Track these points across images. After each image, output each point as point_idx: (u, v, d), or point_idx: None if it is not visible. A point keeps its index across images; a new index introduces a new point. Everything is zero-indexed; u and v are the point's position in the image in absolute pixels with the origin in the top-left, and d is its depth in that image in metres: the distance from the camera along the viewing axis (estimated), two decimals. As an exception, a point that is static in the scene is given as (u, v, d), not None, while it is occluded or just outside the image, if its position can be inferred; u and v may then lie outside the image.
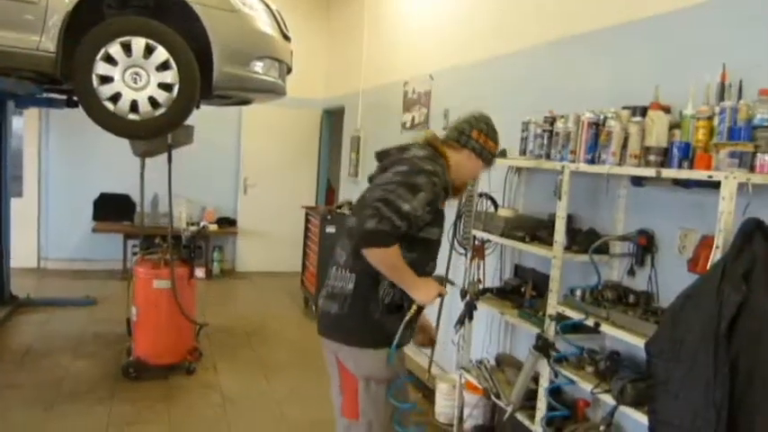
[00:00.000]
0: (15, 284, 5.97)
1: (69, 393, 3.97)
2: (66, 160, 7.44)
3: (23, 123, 7.21)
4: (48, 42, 3.26)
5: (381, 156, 2.41)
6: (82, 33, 3.34)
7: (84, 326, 5.35)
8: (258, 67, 3.85)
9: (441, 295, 2.28)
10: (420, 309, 2.24)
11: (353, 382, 2.25)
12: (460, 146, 2.36)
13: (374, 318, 2.19)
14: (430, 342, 2.67)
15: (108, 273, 7.30)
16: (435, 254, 2.38)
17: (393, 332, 2.20)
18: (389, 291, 2.21)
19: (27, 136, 7.29)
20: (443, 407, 3.86)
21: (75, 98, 4.26)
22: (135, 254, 5.71)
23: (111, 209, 7.43)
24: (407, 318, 2.21)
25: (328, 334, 2.30)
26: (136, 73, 3.42)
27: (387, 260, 2.11)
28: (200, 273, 7.07)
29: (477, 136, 2.36)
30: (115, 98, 3.43)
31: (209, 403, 3.99)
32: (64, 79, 3.47)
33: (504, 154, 3.46)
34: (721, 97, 2.22)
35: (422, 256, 2.25)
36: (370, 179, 2.38)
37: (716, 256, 1.97)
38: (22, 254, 6.88)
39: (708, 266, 2.00)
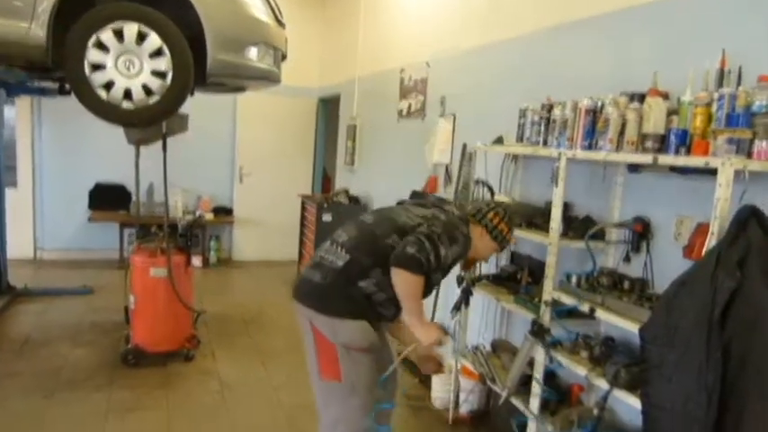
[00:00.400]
0: (12, 275, 5.96)
1: (68, 381, 3.98)
2: (60, 150, 7.39)
3: (15, 113, 7.15)
4: (37, 29, 3.22)
5: (419, 196, 2.63)
6: (73, 20, 3.31)
7: (81, 315, 5.35)
8: (252, 54, 3.82)
9: (440, 343, 2.39)
10: (416, 347, 2.40)
11: (331, 347, 2.33)
12: (476, 221, 2.55)
13: (353, 296, 2.29)
14: (437, 370, 2.76)
15: (104, 262, 7.30)
16: (429, 292, 2.49)
17: (370, 311, 2.31)
18: (374, 289, 2.30)
19: (20, 126, 7.23)
20: (439, 392, 3.89)
21: (67, 86, 4.24)
22: (131, 243, 5.70)
23: (107, 198, 7.41)
24: (405, 353, 2.42)
25: (305, 301, 2.37)
26: (129, 60, 3.40)
27: (410, 285, 2.25)
28: (197, 262, 7.09)
29: (493, 217, 2.55)
30: (108, 86, 3.40)
31: (208, 390, 4.01)
32: (55, 67, 3.44)
33: (500, 140, 3.47)
34: (720, 83, 2.23)
35: (430, 281, 2.38)
36: (399, 203, 2.62)
37: (711, 242, 1.98)
38: (18, 244, 6.86)
39: (703, 253, 2.01)
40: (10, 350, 4.47)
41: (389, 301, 2.31)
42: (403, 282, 2.22)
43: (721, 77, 2.23)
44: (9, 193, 6.13)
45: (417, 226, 2.32)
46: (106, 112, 3.48)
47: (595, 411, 2.60)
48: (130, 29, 3.37)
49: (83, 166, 7.41)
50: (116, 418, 3.52)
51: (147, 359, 4.28)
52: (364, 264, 2.29)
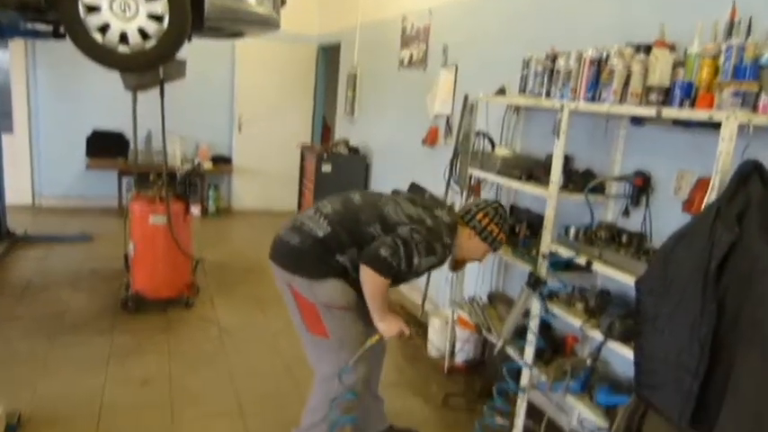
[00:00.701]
0: (11, 221, 5.97)
1: (70, 325, 4.04)
2: (56, 95, 7.29)
3: (9, 57, 7.01)
4: None
5: (416, 189, 2.61)
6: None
7: (81, 261, 5.39)
8: (251, -3, 3.74)
9: (401, 335, 2.45)
10: (381, 338, 2.43)
11: (312, 307, 2.40)
12: (464, 222, 2.54)
13: (329, 263, 2.33)
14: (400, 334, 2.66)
15: (103, 210, 7.31)
16: (397, 284, 2.51)
17: (346, 277, 2.35)
18: (349, 266, 2.34)
19: (14, 70, 7.10)
20: (435, 342, 3.96)
21: (61, 29, 4.15)
22: (130, 191, 5.69)
23: (105, 146, 7.35)
24: (367, 345, 2.40)
25: (282, 263, 2.42)
26: (124, 2, 3.32)
27: (375, 286, 2.28)
28: (195, 211, 7.11)
29: (482, 218, 2.53)
30: (103, 29, 3.34)
31: (207, 336, 4.07)
32: (48, 8, 3.36)
33: (502, 92, 3.42)
34: (729, 35, 2.18)
35: (399, 278, 2.39)
36: (394, 192, 2.60)
37: (711, 197, 1.98)
38: (16, 191, 6.85)
39: (702, 208, 2.01)
40: (11, 295, 4.52)
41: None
42: (370, 281, 2.26)
43: (731, 29, 2.18)
44: (5, 138, 6.08)
45: (400, 224, 2.33)
46: (102, 56, 3.42)
47: (589, 362, 2.65)
48: (126, -30, 3.28)
49: (80, 113, 7.34)
50: (117, 361, 3.59)
51: (148, 305, 4.33)
52: (343, 240, 2.33)
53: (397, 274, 2.26)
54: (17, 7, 3.59)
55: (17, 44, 6.90)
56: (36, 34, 5.31)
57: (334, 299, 2.34)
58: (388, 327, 2.39)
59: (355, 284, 2.35)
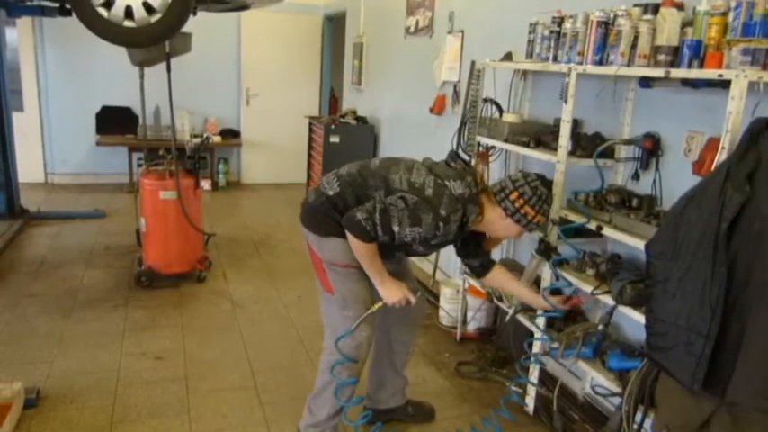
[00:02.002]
0: (25, 198, 6.03)
1: (85, 301, 4.10)
2: (65, 73, 7.29)
3: (18, 36, 7.02)
4: None
5: (452, 157, 2.44)
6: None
7: (94, 238, 5.45)
8: (255, -32, 3.69)
9: (408, 302, 2.40)
10: (384, 305, 2.39)
11: (320, 262, 2.44)
12: (497, 201, 2.34)
13: (336, 220, 2.32)
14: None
15: (114, 186, 7.36)
16: (408, 253, 2.50)
17: None
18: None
19: (23, 49, 7.12)
20: (447, 311, 3.97)
21: (67, 5, 4.13)
22: (140, 166, 5.71)
23: (114, 122, 7.37)
24: (370, 311, 2.37)
25: (301, 218, 2.47)
26: (128, -24, 3.29)
27: (360, 251, 2.26)
28: (205, 185, 7.13)
29: (516, 198, 2.31)
30: (108, 4, 3.32)
31: (220, 309, 4.12)
32: None
33: (509, 57, 3.37)
34: (739, -9, 2.12)
35: (393, 247, 2.35)
36: (426, 159, 2.44)
37: (722, 157, 1.95)
38: (28, 169, 6.92)
39: (713, 169, 1.98)
40: (27, 271, 4.58)
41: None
42: (352, 244, 2.25)
43: (741, -15, 2.12)
44: (16, 116, 6.11)
45: (398, 191, 2.26)
46: (107, 31, 3.41)
47: (600, 327, 2.65)
48: (129, -57, 3.25)
49: (89, 89, 7.34)
50: (132, 335, 3.64)
51: (160, 280, 4.38)
52: (349, 202, 2.32)
53: (377, 239, 2.21)
54: None
55: (25, 22, 6.90)
56: (43, 11, 5.29)
57: (335, 257, 2.36)
58: (388, 293, 2.38)
59: None
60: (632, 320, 2.31)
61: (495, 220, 2.36)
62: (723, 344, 1.84)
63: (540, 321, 2.88)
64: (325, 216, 2.35)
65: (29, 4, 4.99)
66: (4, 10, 5.39)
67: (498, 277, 2.73)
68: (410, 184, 2.27)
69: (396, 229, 2.19)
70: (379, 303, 2.40)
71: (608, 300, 2.43)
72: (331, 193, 2.36)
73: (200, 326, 3.84)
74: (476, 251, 2.65)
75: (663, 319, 1.99)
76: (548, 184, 2.39)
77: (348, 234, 2.24)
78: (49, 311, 3.91)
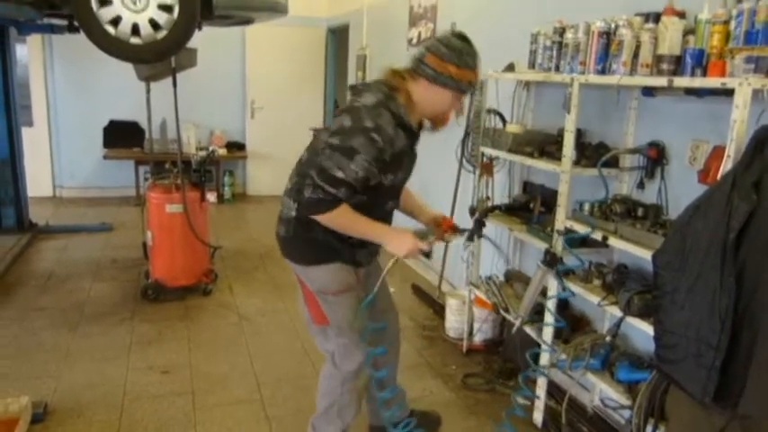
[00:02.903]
0: (33, 212, 6.08)
1: (92, 315, 4.11)
2: (73, 88, 7.37)
3: (28, 52, 7.10)
4: None
5: (351, 90, 2.29)
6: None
7: (101, 251, 5.47)
8: (258, -17, 3.73)
9: (422, 251, 2.22)
10: (397, 260, 2.22)
11: (311, 294, 2.35)
12: (418, 75, 2.14)
13: (317, 238, 2.21)
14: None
15: (121, 199, 7.40)
16: (391, 196, 2.31)
17: (338, 248, 2.23)
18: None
19: (32, 65, 7.21)
20: (453, 322, 3.95)
21: (76, 23, 4.18)
22: (147, 180, 5.74)
23: (121, 135, 7.42)
24: (388, 268, 2.26)
25: (283, 253, 2.37)
26: (135, -6, 3.35)
27: (335, 223, 2.12)
28: (211, 197, 7.09)
29: (432, 61, 2.10)
30: (116, 21, 3.38)
31: (227, 322, 4.12)
32: (62, 3, 3.39)
33: (511, 67, 3.37)
34: (740, -1, 2.12)
35: (373, 199, 2.19)
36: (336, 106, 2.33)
37: (727, 166, 1.94)
38: (37, 183, 6.97)
39: (718, 177, 1.97)
40: (35, 285, 4.60)
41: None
42: (329, 221, 2.10)
43: (742, -7, 2.12)
44: (26, 131, 6.18)
45: (321, 152, 2.10)
46: (114, 48, 3.46)
47: (608, 339, 2.63)
48: (136, -39, 3.30)
49: (96, 104, 7.42)
50: (139, 350, 3.64)
51: (167, 293, 4.39)
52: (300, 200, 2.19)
53: (338, 200, 2.04)
54: (33, 4, 3.63)
55: (35, 39, 6.99)
56: (52, 29, 5.36)
57: (325, 284, 2.28)
58: (398, 246, 2.17)
59: (349, 239, 2.22)
60: (641, 331, 2.29)
61: (423, 93, 2.15)
62: (734, 355, 1.82)
63: (548, 332, 2.86)
64: (302, 241, 2.25)
65: (39, 22, 5.04)
66: (14, 28, 5.46)
67: (406, 200, 2.54)
68: (331, 134, 2.11)
69: (340, 174, 2.02)
70: (392, 260, 2.22)
71: (615, 310, 2.41)
72: (294, 213, 2.24)
73: (206, 339, 3.84)
74: None
75: (672, 330, 1.97)
76: (464, 36, 2.17)
77: (318, 218, 2.09)
78: (56, 325, 3.91)
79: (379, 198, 2.23)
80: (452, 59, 2.08)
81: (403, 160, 2.21)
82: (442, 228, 2.45)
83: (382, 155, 2.08)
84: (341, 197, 2.06)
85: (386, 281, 2.51)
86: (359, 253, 2.32)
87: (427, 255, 2.29)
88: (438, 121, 2.32)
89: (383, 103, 2.12)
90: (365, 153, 2.03)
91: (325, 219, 2.10)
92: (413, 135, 2.24)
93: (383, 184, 2.17)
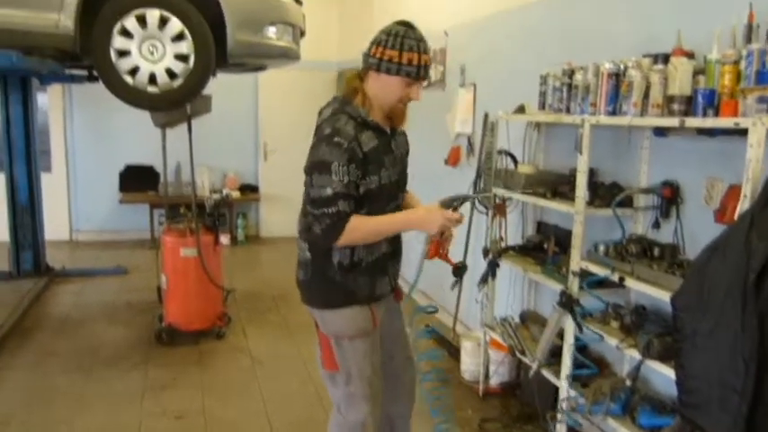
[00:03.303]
0: (50, 256, 6.14)
1: (106, 359, 4.10)
2: (91, 134, 7.53)
3: (48, 99, 7.29)
4: (66, 20, 3.30)
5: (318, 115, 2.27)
6: (98, 9, 3.36)
7: (116, 294, 5.49)
8: (271, 32, 3.85)
9: (453, 220, 2.10)
10: (432, 242, 2.11)
11: (325, 338, 2.29)
12: (367, 70, 2.12)
13: (335, 279, 2.17)
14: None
15: (137, 242, 7.45)
16: (388, 197, 2.20)
17: (355, 288, 2.18)
18: (342, 251, 2.15)
19: (52, 112, 7.39)
20: (469, 365, 3.89)
21: (95, 73, 4.30)
22: (161, 223, 5.80)
23: (137, 179, 7.53)
24: (423, 255, 2.14)
25: (302, 298, 2.34)
26: (152, 45, 3.47)
27: (356, 238, 2.08)
28: (225, 239, 7.18)
29: (375, 51, 2.08)
30: (133, 71, 3.48)
31: (240, 366, 4.09)
32: (83, 55, 3.50)
33: (522, 109, 3.40)
34: (749, 39, 2.12)
35: (369, 206, 2.13)
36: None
37: (743, 205, 1.92)
38: (54, 226, 7.04)
39: (735, 216, 1.95)
40: (51, 329, 4.62)
41: (375, 244, 2.17)
42: (351, 240, 2.06)
43: (749, 33, 2.13)
44: (44, 177, 6.30)
45: (305, 184, 2.12)
46: (132, 97, 3.56)
47: (628, 382, 2.57)
48: (153, 15, 3.44)
49: (113, 149, 7.55)
50: (152, 395, 3.62)
51: (181, 337, 4.38)
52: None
53: (344, 215, 2.01)
54: (56, 56, 3.75)
55: (55, 87, 7.18)
56: (72, 79, 5.52)
57: (342, 329, 2.23)
58: (430, 222, 2.08)
59: (373, 261, 2.18)
60: (662, 374, 2.24)
61: (374, 86, 2.11)
62: (760, 399, 1.77)
63: (565, 376, 2.81)
64: (322, 282, 2.20)
65: (60, 73, 5.20)
66: (36, 78, 5.64)
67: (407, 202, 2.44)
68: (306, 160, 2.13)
69: (329, 191, 2.00)
70: (426, 246, 2.14)
71: (635, 353, 2.37)
72: (309, 254, 2.21)
73: (219, 384, 3.81)
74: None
75: (694, 374, 1.92)
76: (406, 23, 2.11)
77: (340, 243, 2.05)
78: (70, 370, 3.91)
79: (375, 204, 2.14)
80: (393, 45, 2.05)
81: (382, 159, 2.14)
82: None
83: (353, 155, 2.03)
84: (344, 210, 2.02)
85: (407, 335, 2.48)
86: (379, 284, 2.25)
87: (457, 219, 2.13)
88: (395, 115, 2.21)
89: (339, 109, 2.12)
90: (337, 158, 2.01)
91: (346, 240, 2.05)
92: (383, 132, 2.18)
93: (371, 189, 2.12)
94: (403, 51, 2.04)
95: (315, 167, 2.05)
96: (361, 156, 2.06)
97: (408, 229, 2.14)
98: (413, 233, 2.22)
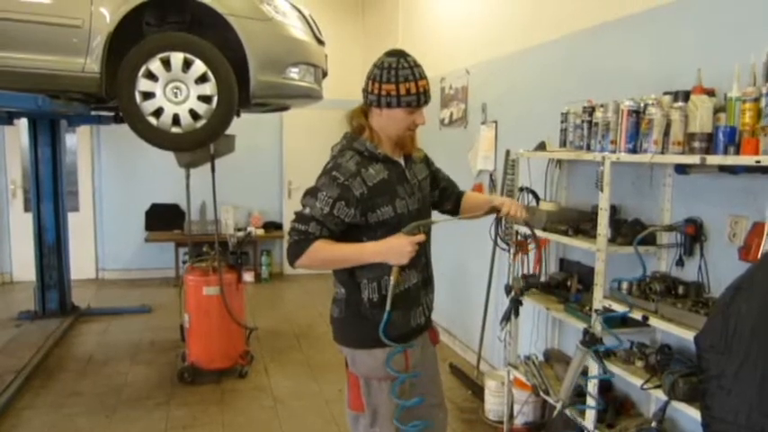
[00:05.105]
0: (76, 295, 6.22)
1: (129, 399, 4.12)
2: (118, 174, 7.69)
3: (77, 140, 7.50)
4: (92, 64, 3.39)
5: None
6: (124, 52, 3.46)
7: (140, 333, 5.52)
8: (294, 73, 3.90)
9: (419, 243, 2.06)
10: (402, 269, 2.07)
11: (355, 379, 2.25)
12: (368, 106, 2.16)
13: (368, 318, 2.14)
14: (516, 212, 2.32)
15: (162, 281, 7.53)
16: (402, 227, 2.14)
17: (395, 318, 2.12)
18: (369, 286, 2.15)
19: (80, 153, 7.59)
20: (493, 404, 3.83)
21: (121, 114, 4.42)
22: (185, 262, 5.87)
23: (163, 218, 7.65)
24: (392, 284, 2.07)
25: (335, 336, 2.31)
26: (176, 87, 3.53)
27: (318, 260, 2.08)
28: (248, 277, 7.22)
29: (372, 87, 2.10)
30: (158, 113, 3.55)
31: (262, 405, 4.06)
32: (109, 98, 3.60)
33: (543, 146, 3.41)
34: (768, 77, 2.12)
35: (386, 236, 2.11)
36: None
37: (767, 243, 1.89)
38: (81, 266, 7.17)
39: (759, 254, 1.92)
40: (74, 369, 4.65)
41: (404, 275, 2.13)
42: (312, 261, 2.07)
43: (769, 71, 2.13)
44: (72, 216, 6.43)
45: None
46: (156, 138, 3.63)
47: (654, 424, 2.51)
48: (177, 58, 3.51)
49: (140, 188, 7.70)
50: (174, 435, 3.62)
51: (203, 376, 4.38)
52: (344, 277, 2.19)
53: (312, 239, 2.04)
54: (81, 99, 3.87)
55: (84, 129, 7.38)
56: (100, 120, 5.67)
57: (372, 369, 2.19)
58: (394, 253, 2.03)
59: (401, 294, 2.14)
60: (689, 416, 2.18)
61: (378, 120, 2.14)
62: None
63: (590, 416, 2.74)
64: (355, 319, 2.19)
65: (87, 114, 5.35)
66: (64, 120, 5.80)
67: (467, 203, 2.51)
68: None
69: (307, 211, 2.06)
70: (394, 271, 2.06)
71: (660, 394, 2.31)
72: (343, 290, 2.20)
73: (241, 424, 3.79)
74: (447, 200, 2.56)
75: (720, 417, 1.87)
76: (396, 52, 2.13)
77: (298, 266, 2.10)
78: (93, 411, 3.92)
79: (393, 233, 2.10)
80: (389, 79, 2.07)
81: (395, 190, 2.15)
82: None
83: (349, 192, 2.05)
84: (312, 232, 2.05)
85: (439, 374, 2.43)
86: (413, 315, 2.21)
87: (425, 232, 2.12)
88: (405, 143, 2.25)
89: (347, 146, 2.17)
90: (327, 190, 2.06)
91: (306, 260, 2.06)
92: (394, 163, 2.19)
93: (386, 220, 2.10)
94: (399, 83, 2.06)
95: (308, 193, 2.13)
96: (365, 191, 2.08)
97: (377, 259, 2.09)
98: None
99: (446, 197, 2.54)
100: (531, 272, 3.56)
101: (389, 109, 2.10)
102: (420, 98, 2.11)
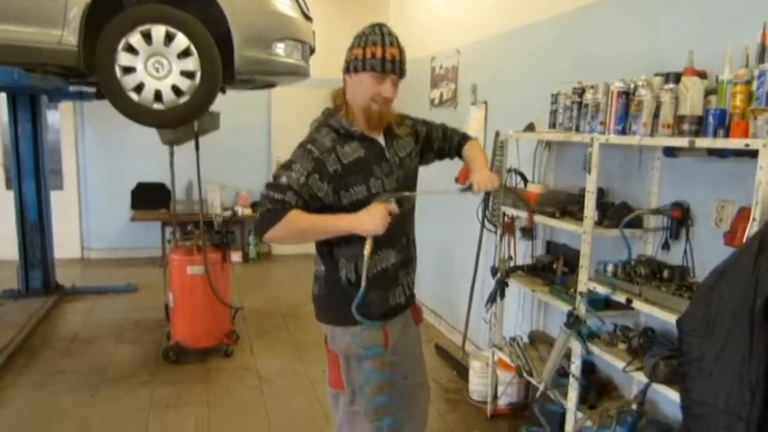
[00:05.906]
0: (61, 274, 6.16)
1: (113, 378, 4.09)
2: (102, 152, 7.58)
3: (60, 118, 7.37)
4: (69, 36, 3.30)
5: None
6: (102, 25, 3.36)
7: (125, 312, 5.49)
8: (280, 49, 3.83)
9: (391, 213, 2.04)
10: (375, 241, 2.05)
11: (335, 357, 2.25)
12: (343, 76, 2.16)
13: (346, 295, 2.12)
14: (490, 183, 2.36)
15: (148, 260, 7.47)
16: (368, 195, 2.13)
17: (368, 303, 2.11)
18: (347, 266, 2.14)
19: (64, 130, 7.45)
20: (477, 385, 3.84)
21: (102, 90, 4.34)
22: (170, 241, 5.83)
23: (148, 197, 7.56)
24: (367, 254, 2.04)
25: (316, 314, 2.31)
26: (158, 62, 3.45)
27: (294, 231, 2.02)
28: (236, 257, 7.18)
29: (346, 55, 2.14)
30: (139, 88, 3.46)
31: (247, 385, 4.05)
32: (88, 72, 3.51)
33: (532, 127, 3.38)
34: (761, 60, 2.09)
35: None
36: None
37: (753, 228, 1.88)
38: (66, 245, 7.09)
39: (745, 239, 1.91)
40: (59, 348, 4.61)
41: (381, 255, 2.13)
42: (287, 233, 2.02)
43: (762, 53, 2.09)
44: (56, 195, 6.33)
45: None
46: (138, 114, 3.54)
47: (635, 406, 2.52)
48: (158, 31, 3.41)
49: (125, 167, 7.59)
50: (158, 414, 3.60)
51: (188, 355, 4.36)
52: (324, 252, 2.18)
53: (286, 208, 1.97)
54: (59, 73, 3.77)
55: (67, 106, 7.24)
56: (82, 96, 5.56)
57: (351, 346, 2.18)
58: (369, 222, 2.00)
59: (382, 272, 2.16)
60: (669, 398, 2.19)
61: (349, 89, 2.14)
62: (767, 428, 1.72)
63: (572, 397, 2.75)
64: (334, 296, 2.18)
65: (68, 90, 5.24)
66: (45, 96, 5.68)
67: (469, 152, 2.54)
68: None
69: (284, 180, 2.00)
70: (367, 243, 2.04)
71: (641, 376, 2.31)
72: (322, 267, 2.20)
73: (225, 403, 3.78)
74: (448, 155, 2.63)
75: (699, 400, 1.87)
76: (376, 24, 2.13)
77: (270, 240, 2.04)
78: (77, 389, 3.90)
79: (355, 204, 2.09)
80: (359, 44, 2.09)
81: (370, 169, 2.11)
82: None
83: (323, 166, 2.03)
84: (289, 201, 1.99)
85: (423, 353, 2.43)
86: (392, 295, 2.20)
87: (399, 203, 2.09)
88: (371, 117, 2.14)
89: (323, 122, 2.17)
90: (301, 162, 2.02)
91: (279, 231, 1.99)
92: (372, 141, 2.16)
93: (360, 200, 2.07)
94: (366, 47, 2.05)
95: (281, 164, 2.09)
96: (339, 168, 2.05)
97: (353, 228, 2.04)
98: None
99: (445, 154, 2.58)
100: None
101: (356, 74, 2.08)
102: (386, 64, 2.05)
